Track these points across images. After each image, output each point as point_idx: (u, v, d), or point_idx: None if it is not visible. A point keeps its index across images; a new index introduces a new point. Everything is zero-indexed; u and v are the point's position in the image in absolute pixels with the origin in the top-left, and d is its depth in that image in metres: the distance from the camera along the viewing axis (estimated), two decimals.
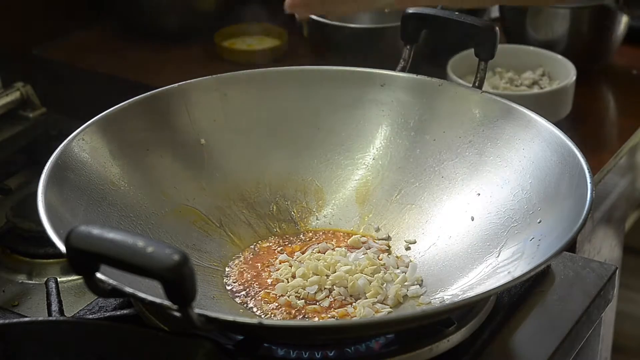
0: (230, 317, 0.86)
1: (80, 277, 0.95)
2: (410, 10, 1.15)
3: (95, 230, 0.79)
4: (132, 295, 0.83)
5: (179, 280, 0.76)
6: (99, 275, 0.82)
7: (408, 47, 1.16)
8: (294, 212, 1.13)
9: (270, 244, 1.09)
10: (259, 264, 1.06)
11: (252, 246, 1.09)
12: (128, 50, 1.59)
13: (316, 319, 0.98)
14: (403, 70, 1.16)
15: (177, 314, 0.80)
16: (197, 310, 0.80)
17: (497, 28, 1.11)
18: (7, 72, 1.40)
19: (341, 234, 1.11)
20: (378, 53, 1.42)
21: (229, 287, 1.03)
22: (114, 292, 0.83)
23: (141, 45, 1.59)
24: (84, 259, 0.80)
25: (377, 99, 1.15)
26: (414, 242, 1.08)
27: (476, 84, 1.12)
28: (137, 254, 0.77)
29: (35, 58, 1.58)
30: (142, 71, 1.52)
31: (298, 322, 0.93)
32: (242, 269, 1.05)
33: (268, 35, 1.62)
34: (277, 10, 1.56)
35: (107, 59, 1.56)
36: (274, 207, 1.13)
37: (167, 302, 0.79)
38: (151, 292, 0.84)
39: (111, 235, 0.78)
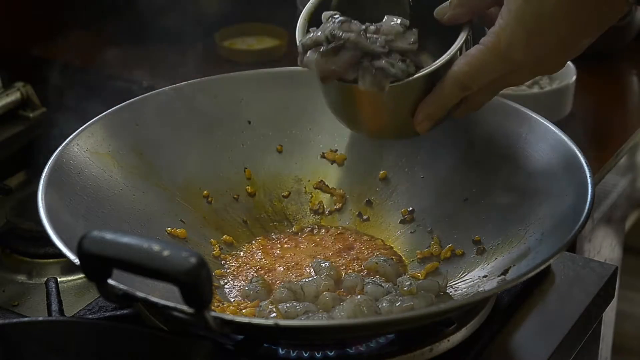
0: (245, 319, 0.86)
1: (84, 277, 0.95)
2: None
3: (109, 235, 0.78)
4: (144, 300, 0.83)
5: (196, 283, 0.76)
6: (110, 281, 0.82)
7: None
8: (288, 212, 1.13)
9: (267, 244, 1.09)
10: (255, 266, 1.06)
11: (248, 243, 1.09)
12: (128, 50, 1.59)
13: None
14: None
15: (191, 317, 0.80)
16: (212, 313, 0.80)
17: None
18: (7, 72, 1.40)
19: (335, 233, 1.11)
20: None
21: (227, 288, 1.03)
22: (126, 297, 0.83)
23: (141, 45, 1.59)
24: (97, 264, 0.79)
25: None
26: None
27: None
28: (154, 257, 0.76)
29: (35, 58, 1.58)
30: (142, 71, 1.52)
31: (313, 322, 0.92)
32: (240, 269, 1.05)
33: (268, 35, 1.62)
34: (277, 11, 1.57)
35: (107, 58, 1.56)
36: (269, 208, 1.13)
37: (181, 306, 0.79)
38: (157, 294, 0.84)
39: (125, 239, 0.78)
